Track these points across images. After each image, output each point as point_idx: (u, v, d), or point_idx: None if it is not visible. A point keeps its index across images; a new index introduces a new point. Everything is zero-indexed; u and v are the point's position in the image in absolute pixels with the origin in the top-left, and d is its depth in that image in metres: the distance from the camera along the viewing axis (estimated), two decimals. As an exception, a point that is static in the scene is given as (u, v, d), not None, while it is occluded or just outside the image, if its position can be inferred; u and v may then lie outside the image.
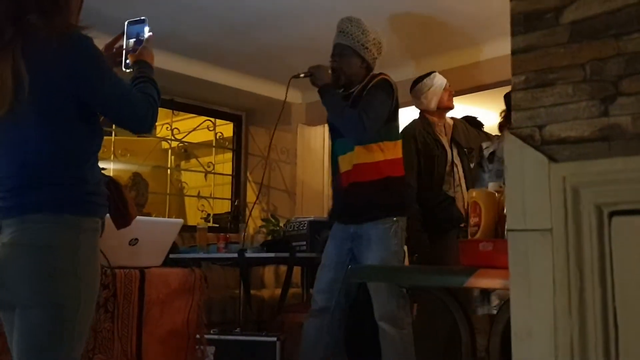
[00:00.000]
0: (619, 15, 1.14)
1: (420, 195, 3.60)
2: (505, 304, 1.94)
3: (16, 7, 1.62)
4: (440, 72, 3.87)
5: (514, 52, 1.26)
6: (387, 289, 2.90)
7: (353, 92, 3.06)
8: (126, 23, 1.94)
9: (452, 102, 3.79)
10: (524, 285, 1.19)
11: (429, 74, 3.77)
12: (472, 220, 1.88)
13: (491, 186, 1.99)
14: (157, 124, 5.54)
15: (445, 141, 3.71)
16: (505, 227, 1.82)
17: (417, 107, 3.80)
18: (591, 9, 1.18)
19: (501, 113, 3.25)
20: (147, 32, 1.92)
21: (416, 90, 3.76)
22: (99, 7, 3.57)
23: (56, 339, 1.58)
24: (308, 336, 3.07)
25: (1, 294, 1.61)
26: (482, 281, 1.69)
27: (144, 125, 1.77)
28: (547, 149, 1.19)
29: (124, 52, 1.91)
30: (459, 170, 3.66)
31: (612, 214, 1.12)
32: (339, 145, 3.13)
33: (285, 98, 3.12)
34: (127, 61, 1.90)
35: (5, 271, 1.57)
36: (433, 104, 3.72)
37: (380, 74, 3.06)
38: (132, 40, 1.91)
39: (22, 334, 1.58)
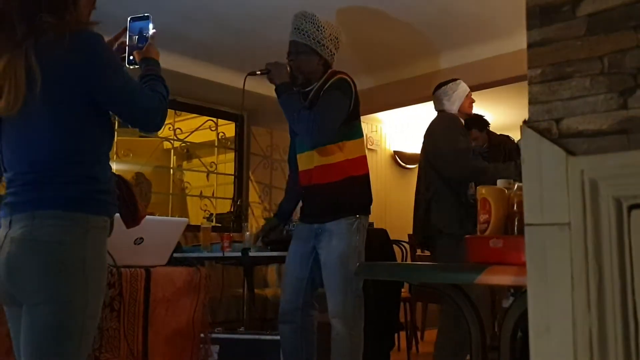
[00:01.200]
0: (638, 6, 1.13)
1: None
2: (516, 300, 1.93)
3: (29, 6, 1.64)
4: (443, 70, 3.93)
5: (529, 46, 1.25)
6: (345, 286, 2.89)
7: (312, 90, 3.03)
8: (129, 19, 1.94)
9: (472, 109, 3.88)
10: (542, 279, 1.18)
11: (454, 80, 3.84)
12: (482, 217, 1.87)
13: (500, 182, 1.97)
14: (159, 123, 5.54)
15: None
16: (516, 221, 1.82)
17: (437, 108, 3.86)
18: (609, 1, 1.17)
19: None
20: (151, 29, 1.91)
21: (440, 93, 3.83)
22: (101, 5, 3.56)
23: (63, 335, 1.58)
24: (287, 342, 3.06)
25: (9, 289, 1.61)
26: (493, 278, 1.67)
27: (154, 123, 1.78)
28: (565, 142, 1.18)
29: (127, 48, 1.91)
30: None
31: (632, 208, 1.11)
32: (298, 143, 3.12)
33: (243, 96, 3.07)
34: (131, 57, 1.90)
35: (14, 266, 1.58)
36: (455, 107, 3.78)
37: (339, 72, 3.02)
38: (135, 37, 1.91)
39: (30, 330, 1.58)
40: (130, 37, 1.92)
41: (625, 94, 1.14)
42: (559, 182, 1.16)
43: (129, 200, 1.90)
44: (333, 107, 2.90)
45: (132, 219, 1.95)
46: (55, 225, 1.58)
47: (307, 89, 3.05)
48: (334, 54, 3.04)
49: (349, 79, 2.98)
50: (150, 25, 1.91)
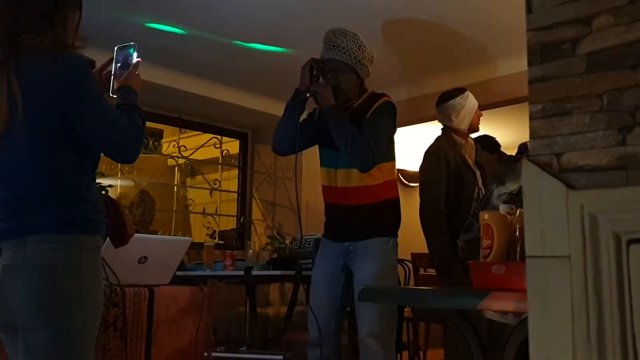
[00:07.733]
0: (636, 46, 1.17)
1: (448, 218, 3.44)
2: (518, 325, 1.95)
3: (13, 27, 1.62)
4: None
5: (530, 82, 1.28)
6: (381, 305, 2.79)
7: (349, 109, 2.95)
8: (116, 48, 1.92)
9: (479, 123, 3.64)
10: (543, 311, 1.20)
11: (461, 92, 3.57)
12: (485, 242, 1.89)
13: (503, 208, 1.99)
14: (163, 140, 5.59)
15: (471, 163, 3.56)
16: (518, 247, 1.84)
17: (443, 123, 3.62)
18: (608, 40, 1.20)
19: None
20: (135, 58, 1.89)
21: (447, 107, 3.55)
22: (110, 25, 3.62)
23: (62, 359, 1.56)
24: None
25: (5, 315, 1.59)
26: (495, 303, 1.69)
27: (128, 156, 1.73)
28: (565, 176, 1.21)
29: (112, 77, 1.88)
30: (483, 193, 3.47)
31: (631, 242, 1.13)
32: (329, 156, 2.99)
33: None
34: (115, 87, 1.87)
35: (8, 293, 1.56)
36: (464, 124, 3.55)
37: (383, 95, 2.97)
38: (119, 65, 1.89)
39: (28, 356, 1.56)
40: (115, 65, 1.90)
41: (624, 131, 1.17)
42: (560, 215, 1.19)
43: (117, 220, 1.88)
44: (386, 133, 2.87)
45: (120, 239, 1.92)
46: (49, 250, 1.56)
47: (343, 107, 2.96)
48: (369, 73, 2.97)
49: (394, 103, 2.94)
50: (135, 54, 1.89)
